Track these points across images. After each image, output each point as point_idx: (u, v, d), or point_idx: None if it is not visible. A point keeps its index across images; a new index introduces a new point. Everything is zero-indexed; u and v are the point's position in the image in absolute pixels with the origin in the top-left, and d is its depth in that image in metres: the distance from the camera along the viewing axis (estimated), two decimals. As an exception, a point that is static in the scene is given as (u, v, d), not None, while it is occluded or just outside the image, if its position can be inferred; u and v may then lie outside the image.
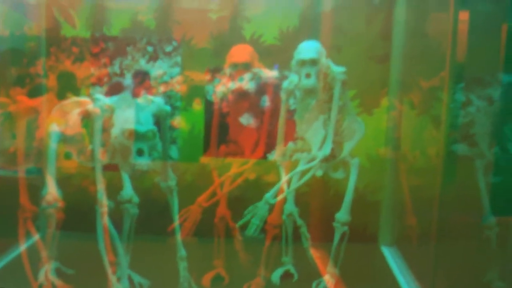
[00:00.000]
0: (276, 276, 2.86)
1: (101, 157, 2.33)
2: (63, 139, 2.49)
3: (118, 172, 2.56)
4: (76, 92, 3.29)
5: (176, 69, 3.31)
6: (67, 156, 2.52)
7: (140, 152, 2.24)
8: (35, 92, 3.26)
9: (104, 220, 2.28)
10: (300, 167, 2.69)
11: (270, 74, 3.14)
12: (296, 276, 2.88)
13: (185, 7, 3.32)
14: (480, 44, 2.67)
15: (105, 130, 2.30)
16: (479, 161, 2.79)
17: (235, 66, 3.04)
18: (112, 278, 2.30)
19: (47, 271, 2.60)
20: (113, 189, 2.49)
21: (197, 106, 3.33)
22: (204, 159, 3.24)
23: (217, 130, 3.11)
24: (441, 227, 2.78)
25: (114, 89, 3.23)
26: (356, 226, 2.73)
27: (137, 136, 2.26)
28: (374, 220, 3.44)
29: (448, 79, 2.79)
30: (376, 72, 3.35)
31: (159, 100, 2.47)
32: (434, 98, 3.11)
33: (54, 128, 2.50)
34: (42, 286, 2.55)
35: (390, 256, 3.28)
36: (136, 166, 2.27)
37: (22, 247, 2.77)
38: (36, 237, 2.81)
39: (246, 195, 3.00)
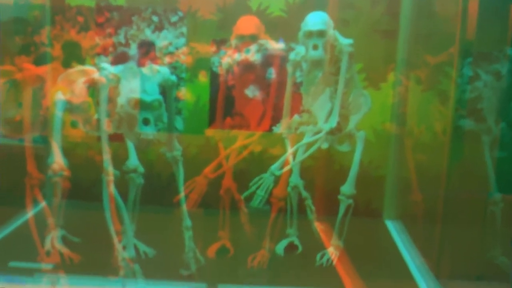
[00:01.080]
0: (280, 248, 2.87)
1: (107, 127, 2.32)
2: (69, 108, 2.48)
3: (123, 143, 2.56)
4: (81, 62, 3.27)
5: (182, 40, 3.28)
6: (74, 125, 2.50)
7: (146, 122, 2.22)
8: (40, 60, 3.24)
9: (110, 189, 2.28)
10: (306, 139, 2.69)
11: (276, 46, 3.11)
12: (300, 248, 2.89)
13: (191, -23, 3.29)
14: (489, 19, 2.65)
15: (111, 99, 2.29)
16: (486, 136, 2.78)
17: (241, 38, 3.00)
18: (118, 246, 2.31)
19: (53, 238, 2.61)
20: (119, 160, 2.50)
21: (203, 78, 3.31)
22: (210, 132, 3.23)
23: (222, 103, 3.09)
24: (447, 202, 2.79)
25: (119, 59, 3.20)
26: (361, 201, 2.74)
27: (143, 105, 2.24)
28: (379, 195, 3.44)
29: (457, 55, 2.78)
30: (383, 47, 3.31)
31: (165, 70, 2.45)
32: (441, 73, 3.09)
33: (60, 96, 2.49)
34: (49, 253, 2.57)
35: (394, 230, 3.28)
36: (142, 136, 2.26)
37: (30, 214, 2.78)
38: (42, 204, 2.82)
39: (251, 168, 3.00)
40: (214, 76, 3.29)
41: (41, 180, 2.66)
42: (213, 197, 2.89)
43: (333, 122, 2.60)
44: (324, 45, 2.58)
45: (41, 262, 2.51)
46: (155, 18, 3.26)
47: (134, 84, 2.26)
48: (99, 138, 2.36)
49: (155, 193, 2.89)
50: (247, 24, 3.02)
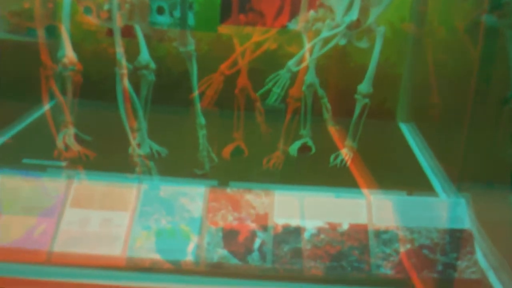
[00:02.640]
0: (293, 149, 2.84)
1: (118, 20, 2.18)
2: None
3: (134, 39, 2.44)
4: None
5: None
6: (87, 11, 2.36)
7: (160, 10, 2.09)
8: None
9: (124, 83, 2.19)
10: (324, 34, 2.57)
11: None
12: (313, 149, 2.86)
13: None
14: None
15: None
16: (510, 31, 2.67)
17: None
18: (133, 143, 2.26)
19: (66, 136, 2.56)
20: (129, 56, 2.39)
21: (215, -31, 3.11)
22: (223, 28, 3.09)
23: (237, -3, 2.92)
24: (465, 104, 2.72)
25: None
26: (374, 100, 2.66)
27: (156, -8, 2.11)
28: (393, 96, 3.37)
29: None
30: None
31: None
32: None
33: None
34: (65, 149, 2.53)
35: (408, 132, 3.24)
36: (156, 26, 2.13)
37: (46, 107, 2.72)
38: (54, 103, 2.75)
39: (267, 66, 2.89)
40: (226, -33, 3.10)
41: (56, 70, 2.56)
42: (228, 96, 2.81)
43: (354, 14, 2.47)
44: None
45: (55, 158, 2.48)
46: None
47: (147, -31, 2.11)
48: (109, 32, 2.25)
49: (166, 91, 2.79)
50: None
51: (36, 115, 3.02)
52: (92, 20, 2.33)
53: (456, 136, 2.68)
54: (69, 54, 2.44)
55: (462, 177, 2.43)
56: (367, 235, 2.01)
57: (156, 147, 2.65)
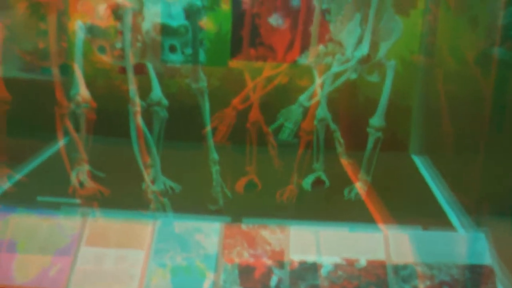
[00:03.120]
0: (307, 182, 2.82)
1: (131, 56, 2.21)
2: (93, 32, 2.36)
3: (146, 76, 2.46)
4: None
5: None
6: (101, 50, 2.39)
7: (172, 49, 2.11)
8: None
9: (137, 120, 2.20)
10: (335, 69, 2.58)
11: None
12: (327, 183, 2.84)
13: None
14: None
15: (135, 25, 2.17)
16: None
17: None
18: (147, 179, 2.26)
19: (80, 173, 2.57)
20: (141, 93, 2.40)
21: (224, 5, 3.15)
22: (233, 63, 3.11)
23: (247, 31, 2.95)
24: (480, 134, 2.71)
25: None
26: (386, 133, 2.65)
27: (168, 31, 2.13)
28: (405, 128, 3.36)
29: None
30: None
31: (188, -7, 2.32)
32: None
33: (82, 20, 2.38)
34: (81, 186, 2.53)
35: (422, 164, 3.22)
36: (168, 64, 2.15)
37: (60, 144, 2.73)
38: (68, 140, 2.77)
39: (278, 100, 2.90)
40: (236, 3, 3.12)
41: (70, 109, 2.58)
42: (240, 130, 2.81)
43: (365, 49, 2.48)
44: (354, -33, 2.44)
45: (70, 196, 2.48)
46: None
47: (159, 8, 2.13)
48: (121, 69, 2.27)
49: (179, 126, 2.80)
50: None
51: (50, 152, 3.04)
52: (105, 58, 2.36)
53: (471, 167, 2.65)
54: (82, 92, 2.46)
55: (479, 210, 2.39)
56: (385, 271, 1.97)
57: (169, 183, 2.64)
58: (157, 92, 2.49)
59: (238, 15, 3.08)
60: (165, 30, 2.13)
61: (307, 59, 2.76)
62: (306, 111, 2.60)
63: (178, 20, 2.15)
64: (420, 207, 2.70)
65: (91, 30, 2.35)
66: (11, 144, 2.63)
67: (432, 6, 3.16)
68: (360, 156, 2.70)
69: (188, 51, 2.22)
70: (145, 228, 2.04)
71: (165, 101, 2.54)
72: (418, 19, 3.18)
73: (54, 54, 2.50)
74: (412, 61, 3.27)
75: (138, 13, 2.16)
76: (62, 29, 2.78)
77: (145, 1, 2.17)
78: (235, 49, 3.07)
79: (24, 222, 2.03)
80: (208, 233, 2.03)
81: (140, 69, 2.34)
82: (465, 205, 2.59)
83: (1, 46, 2.46)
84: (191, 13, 2.30)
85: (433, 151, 3.27)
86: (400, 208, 2.51)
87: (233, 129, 2.80)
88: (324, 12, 2.70)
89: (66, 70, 2.69)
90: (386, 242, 2.04)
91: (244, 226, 2.08)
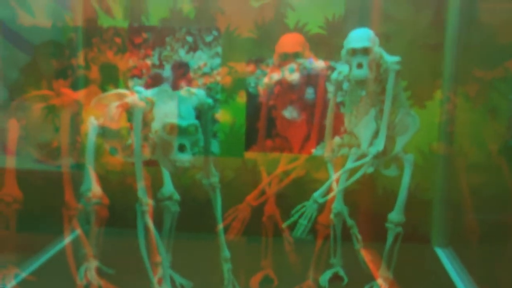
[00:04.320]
0: (324, 279, 2.70)
1: (144, 152, 2.20)
2: (105, 133, 2.38)
3: (158, 168, 2.44)
4: (118, 84, 3.20)
5: (217, 60, 3.17)
6: (112, 152, 2.40)
7: (182, 148, 2.09)
8: (77, 84, 3.18)
9: (145, 220, 2.16)
10: (351, 165, 2.53)
11: (316, 64, 2.97)
12: (346, 279, 2.72)
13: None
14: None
15: (145, 124, 2.17)
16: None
17: (285, 56, 2.87)
18: (154, 280, 2.18)
19: (88, 270, 2.51)
20: (154, 186, 2.38)
21: (239, 99, 3.17)
22: (249, 155, 3.09)
23: (264, 124, 2.95)
24: (504, 227, 2.59)
25: (154, 81, 3.11)
26: (407, 226, 2.56)
27: (178, 130, 2.12)
28: (426, 220, 3.25)
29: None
30: (428, 62, 3.13)
31: (201, 93, 2.32)
32: (492, 89, 2.90)
33: (93, 121, 2.41)
34: (86, 285, 2.47)
35: (445, 258, 3.08)
36: (178, 163, 2.12)
37: (67, 240, 2.69)
38: (78, 234, 2.73)
39: (294, 192, 2.85)
40: (251, 97, 3.16)
41: (80, 210, 2.56)
42: (256, 224, 2.75)
43: (380, 145, 2.43)
44: (369, 63, 2.43)
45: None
46: (189, 39, 3.17)
47: (169, 108, 2.14)
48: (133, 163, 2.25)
49: (191, 221, 2.76)
50: (291, 41, 2.89)
51: (58, 247, 3.00)
52: (117, 158, 2.36)
53: (497, 261, 2.52)
54: (94, 188, 2.45)
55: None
56: None
57: (179, 279, 2.57)
58: (168, 187, 2.47)
59: (252, 108, 3.11)
60: (175, 129, 2.12)
61: (322, 151, 2.73)
62: (322, 206, 2.54)
63: (189, 120, 2.13)
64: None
65: (103, 130, 2.37)
66: (20, 238, 2.62)
67: (451, 95, 3.14)
68: (380, 249, 2.58)
69: (197, 149, 2.20)
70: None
71: (176, 196, 2.51)
72: (435, 110, 3.15)
73: (66, 154, 2.53)
74: (432, 153, 3.21)
75: (148, 112, 2.17)
76: (76, 130, 2.85)
77: (156, 101, 2.19)
78: (250, 141, 3.07)
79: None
80: None
81: (152, 161, 2.33)
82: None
83: (15, 144, 2.50)
84: (202, 111, 2.31)
85: (458, 243, 3.14)
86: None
87: (249, 222, 2.75)
88: (338, 105, 2.69)
89: (83, 165, 2.71)
90: None
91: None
